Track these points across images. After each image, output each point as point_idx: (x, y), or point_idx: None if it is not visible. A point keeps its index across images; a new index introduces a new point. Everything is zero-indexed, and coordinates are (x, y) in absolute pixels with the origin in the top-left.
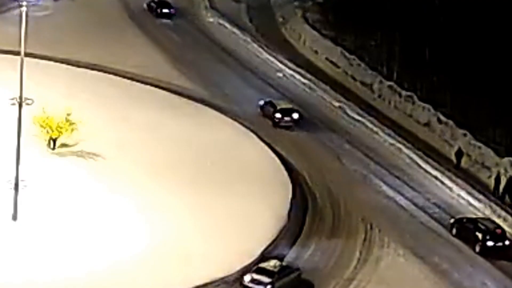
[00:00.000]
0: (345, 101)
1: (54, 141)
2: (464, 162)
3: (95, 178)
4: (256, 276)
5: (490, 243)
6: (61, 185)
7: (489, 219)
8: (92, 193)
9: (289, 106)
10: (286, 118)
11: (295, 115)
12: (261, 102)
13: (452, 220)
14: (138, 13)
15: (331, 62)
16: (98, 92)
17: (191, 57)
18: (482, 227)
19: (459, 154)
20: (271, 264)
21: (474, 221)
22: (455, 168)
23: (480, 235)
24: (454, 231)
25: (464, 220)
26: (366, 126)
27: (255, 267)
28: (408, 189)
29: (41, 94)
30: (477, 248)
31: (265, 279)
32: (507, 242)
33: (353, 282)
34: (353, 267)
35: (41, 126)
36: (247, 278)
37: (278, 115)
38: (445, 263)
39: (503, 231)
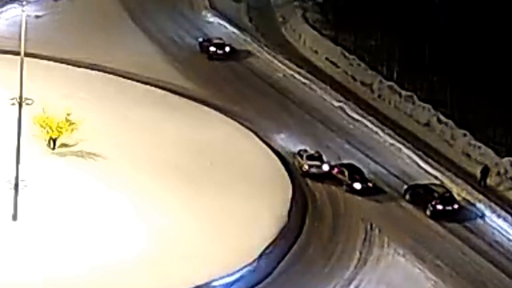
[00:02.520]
0: (345, 101)
1: (54, 141)
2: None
3: (95, 178)
4: (311, 163)
5: (440, 207)
6: (61, 185)
7: (441, 185)
8: (92, 193)
9: (222, 41)
10: (219, 51)
11: (227, 48)
12: (200, 39)
13: (405, 187)
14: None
15: (331, 62)
16: (97, 92)
17: (191, 57)
18: (434, 192)
19: (485, 171)
20: (314, 152)
21: (426, 186)
22: (479, 185)
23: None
24: (407, 197)
25: (417, 186)
26: (366, 126)
27: (304, 156)
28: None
29: (41, 94)
30: (428, 212)
31: (318, 162)
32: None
33: (353, 282)
34: (353, 267)
35: (41, 126)
36: (306, 166)
37: (212, 48)
38: (445, 262)
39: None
